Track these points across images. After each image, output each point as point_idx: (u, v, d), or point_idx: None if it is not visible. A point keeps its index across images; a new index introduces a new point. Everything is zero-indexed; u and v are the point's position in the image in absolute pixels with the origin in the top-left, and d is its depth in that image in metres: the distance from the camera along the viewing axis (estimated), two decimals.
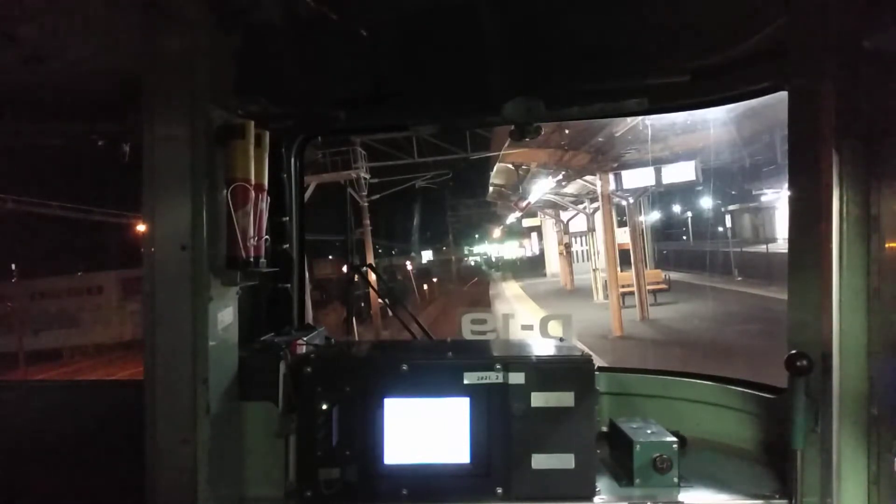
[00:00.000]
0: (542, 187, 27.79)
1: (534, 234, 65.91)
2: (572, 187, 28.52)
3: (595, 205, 30.76)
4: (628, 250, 23.75)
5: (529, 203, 33.24)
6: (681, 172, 21.48)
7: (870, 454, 2.01)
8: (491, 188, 35.49)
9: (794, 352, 2.07)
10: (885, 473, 1.98)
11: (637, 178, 22.22)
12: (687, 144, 20.19)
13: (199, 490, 2.08)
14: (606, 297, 25.82)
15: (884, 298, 1.98)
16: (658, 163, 21.23)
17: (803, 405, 2.07)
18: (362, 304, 25.82)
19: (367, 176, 28.73)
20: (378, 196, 31.69)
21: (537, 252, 65.78)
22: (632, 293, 22.80)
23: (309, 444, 2.32)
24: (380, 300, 23.99)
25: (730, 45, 2.42)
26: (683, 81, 2.62)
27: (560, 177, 25.08)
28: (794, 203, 2.24)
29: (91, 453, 2.73)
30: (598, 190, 23.87)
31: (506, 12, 2.27)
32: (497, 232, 77.79)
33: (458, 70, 2.66)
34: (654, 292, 24.86)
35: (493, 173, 29.24)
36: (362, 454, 2.33)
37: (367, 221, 30.07)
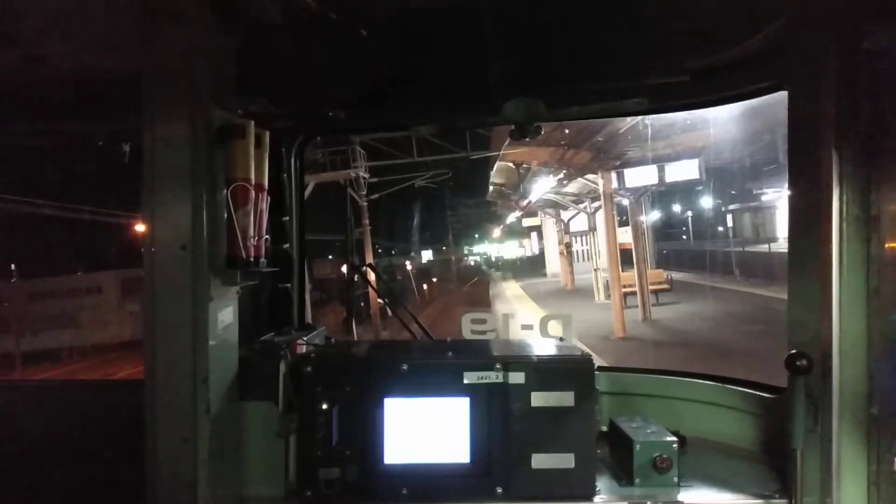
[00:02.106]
0: (542, 186, 27.29)
1: (533, 234, 65.79)
2: (573, 186, 28.13)
3: (596, 204, 30.16)
4: (630, 250, 23.40)
5: (530, 202, 32.60)
6: (684, 171, 21.09)
7: (869, 454, 2.02)
8: (491, 187, 35.05)
9: (793, 351, 2.08)
10: (884, 473, 1.98)
11: (640, 176, 21.76)
12: (691, 142, 19.88)
13: (199, 490, 2.08)
14: (608, 297, 25.27)
15: (884, 298, 1.98)
16: (661, 161, 20.80)
17: (803, 405, 2.07)
18: (362, 304, 25.74)
19: (367, 175, 28.29)
20: (377, 195, 31.32)
21: (537, 252, 65.66)
22: (634, 293, 22.35)
23: (309, 443, 2.32)
24: (379, 300, 23.95)
25: (730, 45, 2.42)
26: (683, 81, 2.62)
27: (561, 175, 24.51)
28: (794, 203, 2.24)
29: (91, 453, 2.73)
30: (600, 188, 23.37)
31: (506, 12, 2.27)
32: (497, 231, 77.76)
33: (458, 70, 2.66)
34: (655, 292, 24.49)
35: (493, 172, 28.85)
36: (362, 454, 2.33)
37: (367, 221, 29.63)
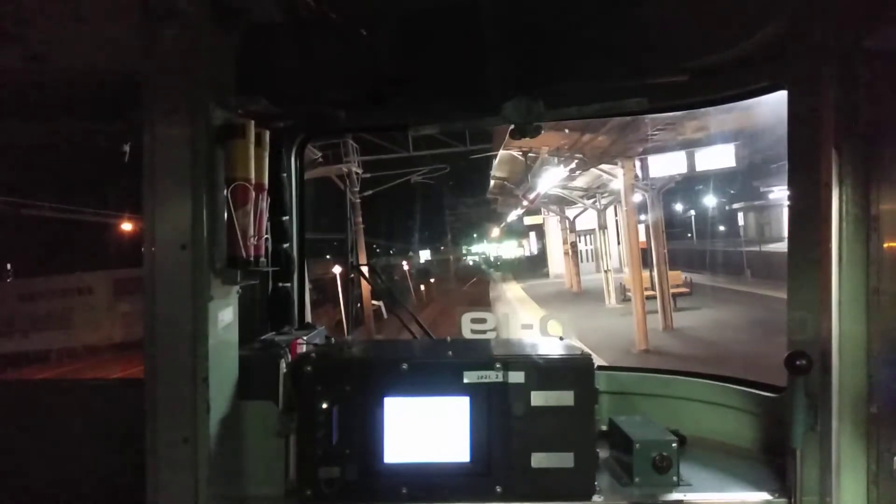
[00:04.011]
0: (552, 177, 24.08)
1: (532, 234, 65.57)
2: (582, 180, 26.16)
3: (606, 200, 28.35)
4: (644, 249, 21.34)
5: (538, 195, 28.63)
6: (718, 157, 18.41)
7: (869, 453, 2.02)
8: (492, 181, 32.64)
9: (793, 351, 2.08)
10: (884, 472, 1.99)
11: (666, 164, 18.98)
12: (726, 124, 17.20)
13: (199, 490, 2.08)
14: (621, 300, 23.62)
15: (883, 298, 1.99)
16: (690, 146, 18.11)
17: (803, 404, 2.08)
18: (358, 305, 25.03)
19: (360, 171, 26.36)
20: (371, 192, 29.01)
21: (535, 252, 65.50)
22: (650, 297, 19.82)
23: (309, 442, 2.32)
24: (373, 302, 23.30)
25: (730, 45, 2.43)
26: (683, 81, 2.62)
27: (573, 165, 21.47)
28: (793, 203, 2.24)
29: (91, 453, 2.73)
30: (620, 179, 20.37)
31: (505, 12, 2.27)
32: (496, 231, 77.64)
33: (457, 70, 2.66)
34: (673, 296, 21.88)
35: (495, 163, 26.55)
36: (362, 453, 2.33)
37: (360, 219, 27.72)
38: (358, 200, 27.31)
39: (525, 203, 31.64)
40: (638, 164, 19.68)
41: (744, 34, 2.35)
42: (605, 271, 27.42)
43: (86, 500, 2.69)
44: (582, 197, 30.06)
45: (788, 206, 2.27)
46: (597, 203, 29.63)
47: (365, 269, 3.95)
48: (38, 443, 2.84)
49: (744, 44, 2.38)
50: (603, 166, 21.46)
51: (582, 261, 38.25)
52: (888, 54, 1.96)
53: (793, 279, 2.24)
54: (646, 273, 20.94)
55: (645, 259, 21.10)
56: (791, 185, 2.25)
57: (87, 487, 2.67)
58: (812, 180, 2.11)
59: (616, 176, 21.28)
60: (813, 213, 2.11)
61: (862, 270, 2.02)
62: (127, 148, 2.98)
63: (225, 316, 2.24)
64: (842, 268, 2.03)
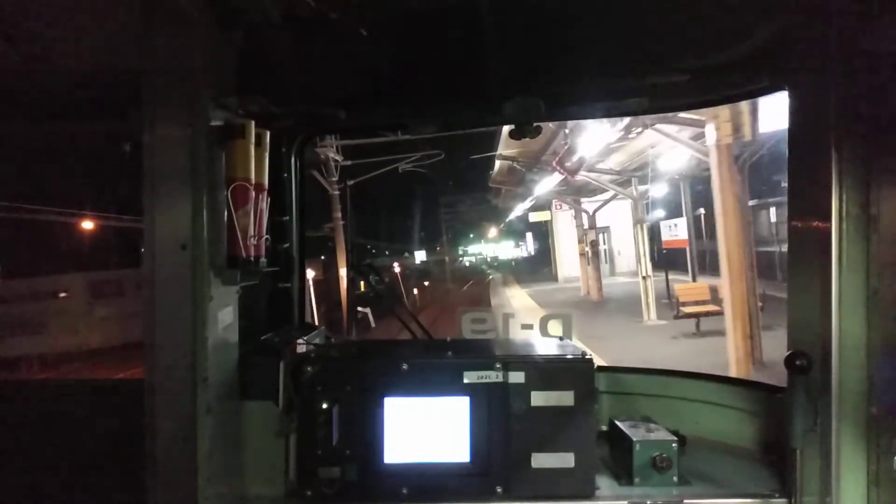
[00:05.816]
0: (600, 137, 17.06)
1: (528, 234, 65.32)
2: (615, 159, 20.57)
3: (644, 187, 22.54)
4: (683, 250, 17.22)
5: (583, 160, 19.73)
6: None
7: (869, 453, 2.02)
8: (497, 164, 26.26)
9: (793, 351, 2.08)
10: (884, 472, 1.99)
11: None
12: None
13: (199, 490, 2.08)
14: (677, 316, 17.56)
15: (883, 298, 1.99)
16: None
17: (803, 404, 2.08)
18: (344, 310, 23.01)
19: (339, 158, 22.56)
20: (353, 182, 24.62)
21: (533, 252, 65.26)
22: (713, 314, 15.03)
23: (309, 443, 2.32)
24: (359, 308, 21.76)
25: (730, 44, 2.43)
26: (683, 81, 2.62)
27: (626, 122, 15.07)
28: (793, 202, 2.25)
29: (91, 453, 2.73)
30: (708, 136, 12.62)
31: (505, 12, 2.27)
32: (493, 231, 77.52)
33: (457, 70, 2.67)
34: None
35: (502, 137, 20.36)
36: (362, 453, 2.33)
37: (339, 214, 23.46)
38: (337, 192, 23.69)
39: (562, 173, 22.11)
40: (749, 106, 11.35)
41: (744, 34, 2.35)
42: (644, 277, 20.60)
43: (85, 500, 2.69)
44: (612, 181, 23.74)
45: (788, 205, 2.28)
46: (632, 189, 22.85)
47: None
48: (37, 442, 2.83)
49: (744, 44, 2.39)
50: (663, 126, 15.10)
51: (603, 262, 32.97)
52: (888, 54, 1.96)
53: (793, 279, 2.25)
54: (688, 281, 16.37)
55: (676, 262, 16.49)
56: (791, 184, 2.26)
57: (87, 487, 2.66)
58: (812, 180, 2.11)
59: (679, 141, 15.18)
60: (813, 213, 2.11)
61: (862, 270, 2.02)
62: (127, 148, 2.98)
63: (225, 316, 2.24)
64: (842, 268, 2.03)
